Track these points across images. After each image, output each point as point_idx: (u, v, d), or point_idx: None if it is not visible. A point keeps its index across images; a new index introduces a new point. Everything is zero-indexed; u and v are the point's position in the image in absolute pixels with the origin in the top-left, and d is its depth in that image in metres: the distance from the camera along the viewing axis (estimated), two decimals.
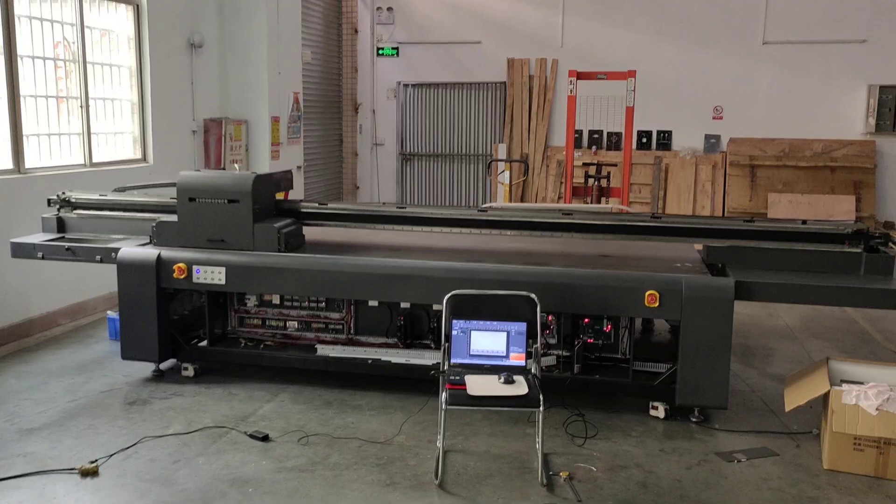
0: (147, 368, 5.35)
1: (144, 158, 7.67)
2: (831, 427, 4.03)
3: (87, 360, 5.70)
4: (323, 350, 5.22)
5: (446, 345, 4.09)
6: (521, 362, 4.05)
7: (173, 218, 5.21)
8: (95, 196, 5.70)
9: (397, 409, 4.83)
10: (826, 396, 4.14)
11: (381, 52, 12.73)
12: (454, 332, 4.08)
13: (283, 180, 5.72)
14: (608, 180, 8.08)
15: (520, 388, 3.79)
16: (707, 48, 11.71)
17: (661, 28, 11.80)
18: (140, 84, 7.55)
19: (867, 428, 3.92)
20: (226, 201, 5.06)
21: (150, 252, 5.10)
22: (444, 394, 3.80)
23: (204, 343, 5.39)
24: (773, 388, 5.31)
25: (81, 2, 6.75)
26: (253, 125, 8.94)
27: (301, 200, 5.69)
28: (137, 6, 7.45)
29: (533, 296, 4.11)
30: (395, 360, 5.07)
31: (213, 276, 5.01)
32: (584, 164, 8.98)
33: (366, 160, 13.03)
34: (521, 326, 4.07)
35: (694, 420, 4.69)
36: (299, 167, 9.80)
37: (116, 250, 5.17)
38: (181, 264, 5.02)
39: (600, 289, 4.59)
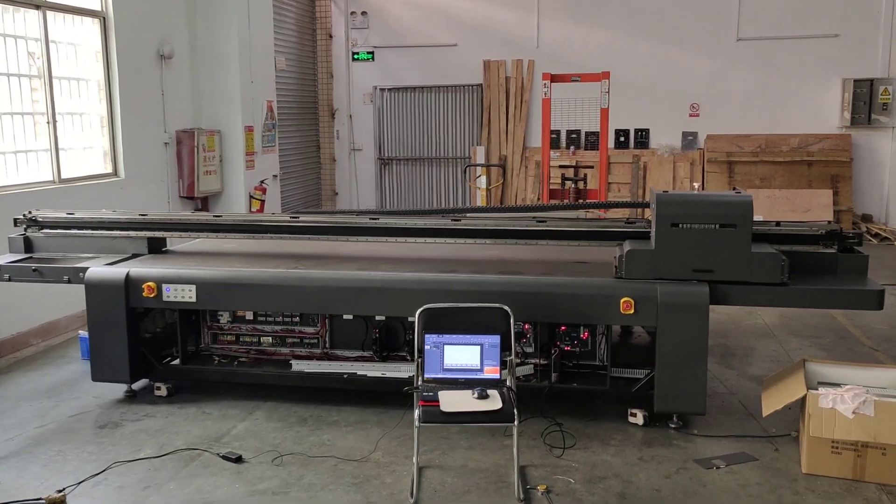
0: (119, 389, 5.26)
1: (115, 172, 7.56)
2: (809, 431, 4.01)
3: (58, 382, 5.60)
4: (298, 365, 5.15)
5: (419, 360, 4.03)
6: (496, 375, 4.00)
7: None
8: (62, 214, 5.59)
9: (374, 423, 4.76)
10: (803, 400, 4.12)
11: (356, 56, 12.66)
12: (427, 347, 4.02)
13: None
14: (585, 182, 8.05)
15: (493, 402, 3.74)
16: (682, 46, 11.72)
17: (635, 28, 11.80)
18: (109, 97, 7.44)
19: (844, 432, 3.90)
20: None
21: (119, 271, 5.01)
22: (417, 411, 3.74)
23: (177, 362, 5.30)
24: (752, 389, 5.29)
25: (45, 16, 6.63)
26: (227, 135, 8.85)
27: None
28: (104, 18, 7.33)
29: (506, 308, 4.06)
30: (370, 373, 5.01)
31: (183, 293, 4.92)
32: (561, 167, 8.94)
33: (344, 166, 12.96)
34: (495, 339, 4.02)
35: (673, 426, 4.66)
36: (275, 176, 9.71)
37: (84, 270, 5.07)
38: (151, 283, 4.93)
39: (575, 297, 4.55)
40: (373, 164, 12.91)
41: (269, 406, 5.07)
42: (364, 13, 12.51)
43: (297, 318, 5.26)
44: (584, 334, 4.93)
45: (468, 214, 5.54)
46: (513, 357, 4.08)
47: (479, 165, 10.13)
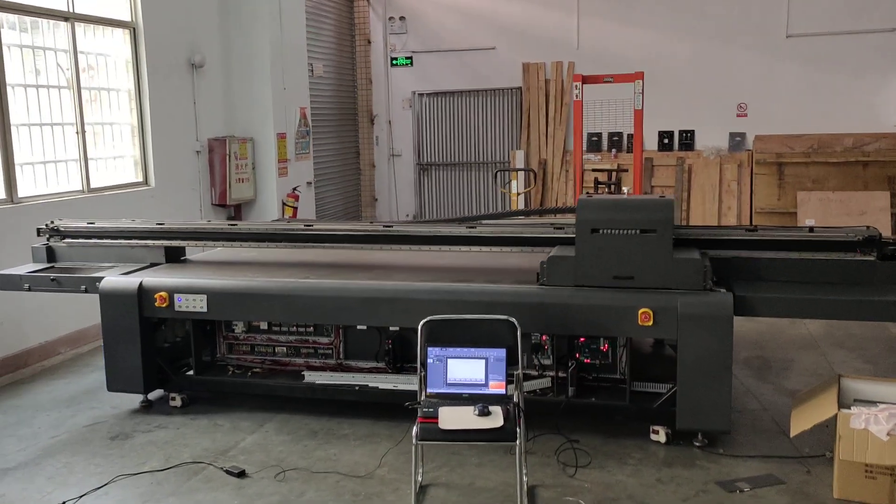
0: (136, 399, 5.24)
1: (146, 181, 7.61)
2: (839, 454, 3.73)
3: (79, 392, 5.61)
4: (310, 377, 5.05)
5: (422, 374, 3.88)
6: (501, 390, 3.82)
7: None
8: (84, 224, 5.61)
9: (384, 437, 4.63)
10: (834, 420, 3.83)
11: (394, 62, 12.58)
12: (429, 361, 3.87)
13: None
14: (619, 186, 7.79)
15: (495, 420, 3.56)
16: (728, 44, 11.31)
17: (679, 25, 11.44)
18: (139, 106, 7.49)
19: (877, 455, 3.61)
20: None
21: (132, 281, 4.99)
22: (415, 428, 3.59)
23: (191, 372, 5.25)
24: (787, 406, 4.95)
25: (74, 28, 6.70)
26: (259, 143, 8.85)
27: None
28: (134, 29, 7.39)
29: (512, 320, 3.88)
30: (382, 385, 4.88)
31: (194, 303, 4.88)
32: (594, 170, 8.69)
33: (383, 172, 12.88)
34: (501, 353, 3.84)
35: (697, 444, 4.41)
36: (309, 183, 9.68)
37: (100, 280, 5.07)
38: (163, 293, 4.90)
39: (590, 308, 4.34)
40: (412, 169, 12.81)
41: (280, 418, 4.98)
42: (402, 18, 12.43)
43: (312, 329, 5.17)
44: (603, 346, 4.71)
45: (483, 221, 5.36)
46: (520, 372, 3.90)
47: (508, 170, 9.90)
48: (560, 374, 4.74)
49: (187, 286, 4.91)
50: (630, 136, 11.68)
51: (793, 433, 3.98)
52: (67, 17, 6.64)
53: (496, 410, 3.63)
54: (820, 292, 4.26)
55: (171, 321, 5.34)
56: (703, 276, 4.22)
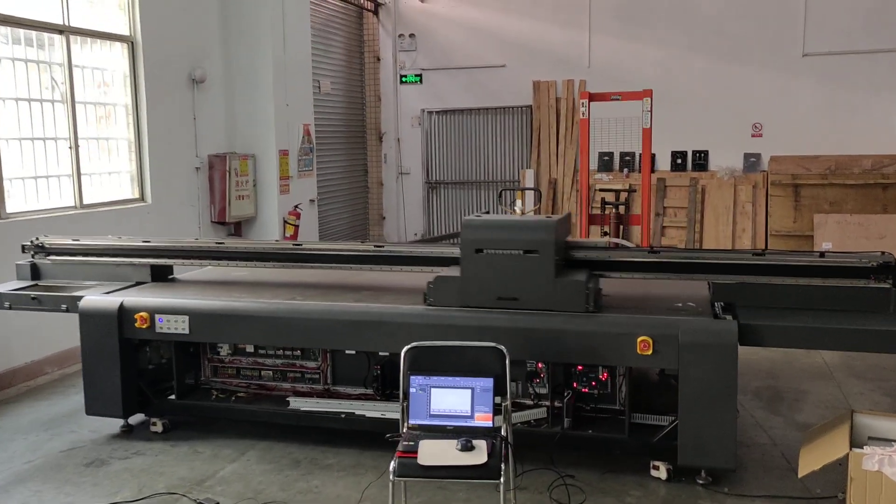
0: (116, 423, 5.04)
1: (143, 198, 7.47)
2: (851, 497, 3.46)
3: (60, 414, 5.44)
4: (295, 403, 4.84)
5: (404, 403, 3.66)
6: (488, 423, 3.59)
7: None
8: (69, 241, 5.46)
9: (369, 468, 4.40)
10: (846, 460, 3.56)
11: (404, 79, 12.46)
12: (412, 390, 3.65)
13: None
14: (627, 207, 7.55)
15: (478, 455, 3.33)
16: (743, 62, 11.08)
17: (692, 43, 11.23)
18: (136, 122, 7.37)
19: (891, 500, 3.34)
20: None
21: (113, 300, 4.81)
22: (393, 462, 3.36)
23: (173, 396, 5.05)
24: (797, 441, 4.64)
25: (69, 40, 6.59)
26: (260, 159, 8.70)
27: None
28: (132, 43, 7.28)
29: (501, 347, 3.66)
30: (369, 414, 4.66)
31: (176, 325, 4.69)
32: (602, 190, 8.46)
33: (392, 190, 12.72)
34: (488, 382, 3.61)
35: (700, 482, 4.14)
36: (312, 200, 9.51)
37: (81, 298, 4.90)
38: (143, 313, 4.71)
39: (586, 335, 4.11)
40: (420, 187, 12.64)
41: (264, 445, 4.77)
42: (412, 35, 12.32)
43: (299, 353, 4.96)
44: (602, 375, 4.47)
45: None
46: (508, 403, 3.66)
47: (512, 189, 9.69)
48: (556, 404, 4.49)
49: (169, 307, 4.73)
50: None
51: (801, 473, 3.71)
52: (62, 30, 6.53)
53: (480, 445, 3.39)
54: (831, 321, 4.00)
55: (155, 342, 5.15)
56: (584, 299, 4.11)
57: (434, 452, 3.35)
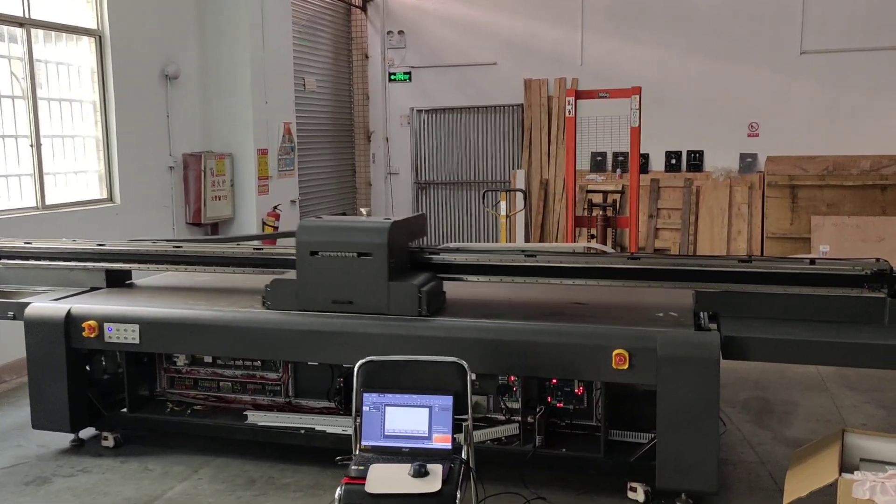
0: (67, 437, 4.76)
1: (111, 198, 7.19)
2: None
3: (11, 426, 5.16)
4: (253, 417, 4.56)
5: (357, 423, 3.38)
6: (446, 445, 3.30)
7: None
8: (20, 244, 5.17)
9: (329, 489, 4.12)
10: (835, 486, 3.28)
11: (392, 77, 12.17)
12: (365, 408, 3.37)
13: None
14: (615, 209, 7.26)
15: (431, 482, 3.04)
16: (739, 61, 10.79)
17: (688, 42, 10.93)
18: (104, 119, 7.09)
19: None
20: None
21: (60, 308, 4.53)
22: (339, 490, 3.08)
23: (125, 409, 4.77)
24: (787, 458, 4.38)
25: (30, 33, 6.31)
26: (238, 159, 8.42)
27: None
28: (100, 37, 7.00)
29: (462, 363, 3.37)
30: (330, 429, 4.37)
31: (125, 334, 4.41)
32: (589, 191, 8.17)
33: (380, 190, 12.43)
34: (447, 400, 3.33)
35: None
36: (293, 201, 9.24)
37: (27, 305, 4.62)
38: (91, 321, 4.43)
39: (557, 347, 3.83)
40: (410, 188, 12.35)
41: (219, 462, 4.49)
42: (401, 32, 12.03)
43: (259, 363, 4.68)
44: (578, 389, 4.19)
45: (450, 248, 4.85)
46: (469, 423, 3.37)
47: (496, 190, 9.38)
48: (531, 420, 4.21)
49: (119, 314, 4.45)
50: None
51: (786, 500, 3.42)
52: (23, 23, 6.25)
53: (436, 470, 3.11)
54: (821, 334, 3.72)
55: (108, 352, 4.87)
56: (417, 303, 4.02)
57: (384, 478, 3.07)
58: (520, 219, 11.03)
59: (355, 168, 12.37)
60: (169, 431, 4.72)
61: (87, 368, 4.78)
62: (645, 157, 11.20)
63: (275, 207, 8.63)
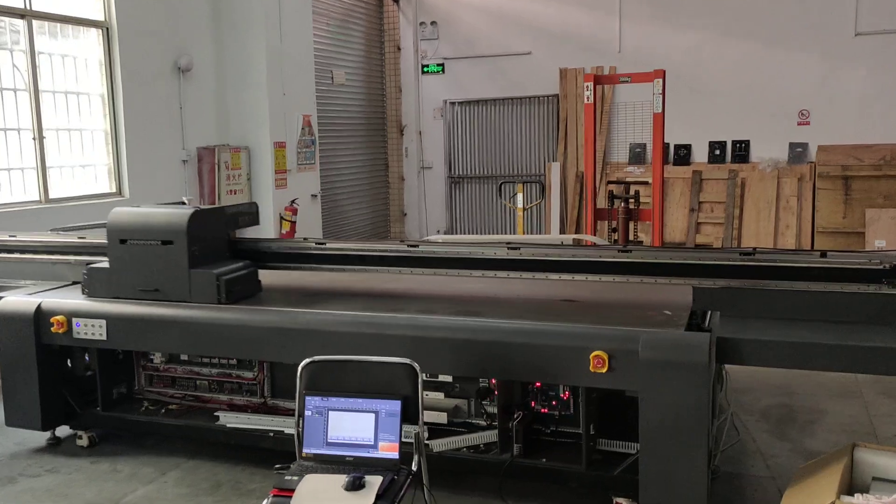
0: (44, 435, 4.63)
1: (120, 192, 7.10)
2: None
3: None
4: (224, 418, 4.34)
5: (299, 428, 3.11)
6: (393, 454, 3.01)
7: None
8: (5, 237, 5.09)
9: None
10: None
11: (425, 69, 11.91)
12: (307, 413, 3.10)
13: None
14: (636, 201, 6.83)
15: (365, 497, 2.75)
16: (788, 45, 10.17)
17: (731, 26, 10.36)
18: (113, 112, 7.00)
19: None
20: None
21: (31, 302, 4.39)
22: (265, 501, 2.82)
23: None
24: None
25: (31, 25, 6.25)
26: (255, 152, 8.27)
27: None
28: (107, 29, 6.92)
29: (413, 364, 3.07)
30: None
31: (93, 330, 4.24)
32: (609, 183, 7.75)
33: (413, 185, 12.19)
34: (394, 405, 3.03)
35: None
36: (314, 196, 9.05)
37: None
38: (60, 316, 4.28)
39: (530, 347, 3.49)
40: (443, 182, 12.07)
41: (190, 465, 4.29)
42: (433, 23, 11.75)
43: (235, 361, 4.46)
44: (564, 393, 3.84)
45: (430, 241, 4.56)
46: (421, 430, 3.07)
47: (513, 181, 8.97)
48: (513, 426, 3.87)
49: (87, 310, 4.28)
50: (678, 147, 10.69)
51: None
52: (24, 14, 6.19)
53: (373, 483, 2.82)
54: (831, 336, 3.30)
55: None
56: (216, 291, 4.07)
57: (314, 491, 2.80)
58: (554, 212, 10.65)
59: (388, 162, 12.14)
60: (141, 432, 4.54)
61: (69, 364, 4.66)
62: (687, 147, 10.71)
63: (292, 202, 8.46)
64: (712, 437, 3.77)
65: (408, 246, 4.23)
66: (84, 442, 4.56)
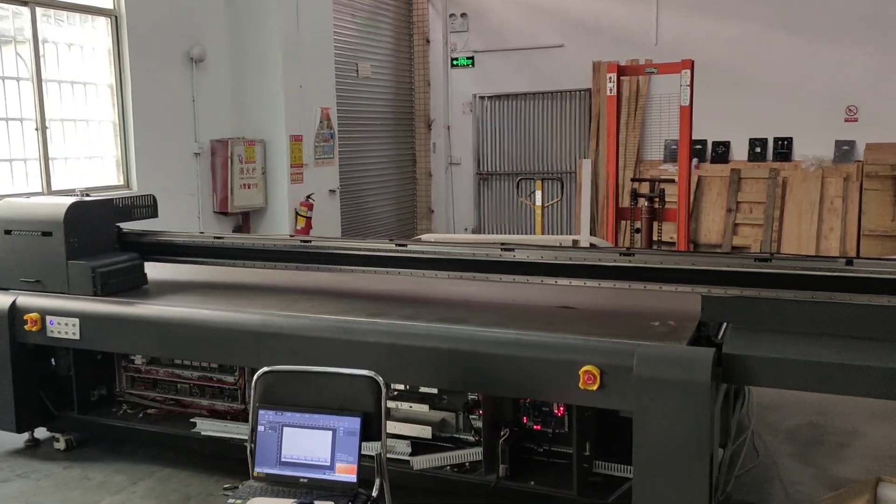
0: (22, 437, 4.45)
1: (128, 185, 6.94)
2: None
3: None
4: (201, 425, 4.10)
5: (252, 445, 2.84)
6: (351, 477, 2.71)
7: None
8: None
9: None
10: None
11: (455, 62, 11.60)
12: (260, 428, 2.82)
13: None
14: (661, 200, 6.43)
15: None
16: (834, 38, 9.61)
17: (774, 17, 9.83)
18: (121, 103, 6.84)
19: None
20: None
21: (4, 299, 4.20)
22: None
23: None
24: None
25: (35, 13, 6.10)
26: (271, 145, 8.06)
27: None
28: (116, 17, 6.75)
29: (376, 377, 2.77)
30: None
31: (66, 329, 4.04)
32: (632, 180, 7.34)
33: (441, 181, 11.89)
34: (353, 423, 2.74)
35: None
36: (332, 191, 8.81)
37: None
38: (34, 314, 4.09)
39: (514, 360, 3.16)
40: (471, 179, 11.75)
41: (164, 474, 4.05)
42: (463, 15, 11.43)
43: (216, 365, 4.22)
44: (558, 409, 3.50)
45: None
46: (383, 451, 2.77)
47: (531, 178, 8.57)
48: (501, 444, 3.55)
49: (61, 308, 4.08)
50: (716, 144, 10.22)
51: None
52: (27, 1, 6.04)
53: None
54: (856, 355, 2.90)
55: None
56: (92, 282, 4.08)
57: None
58: (585, 212, 10.25)
59: (415, 158, 11.86)
60: (117, 437, 4.33)
61: (52, 363, 4.48)
62: (725, 144, 10.23)
63: (308, 197, 8.22)
64: (722, 462, 3.41)
65: (395, 245, 3.93)
66: (61, 445, 4.37)
